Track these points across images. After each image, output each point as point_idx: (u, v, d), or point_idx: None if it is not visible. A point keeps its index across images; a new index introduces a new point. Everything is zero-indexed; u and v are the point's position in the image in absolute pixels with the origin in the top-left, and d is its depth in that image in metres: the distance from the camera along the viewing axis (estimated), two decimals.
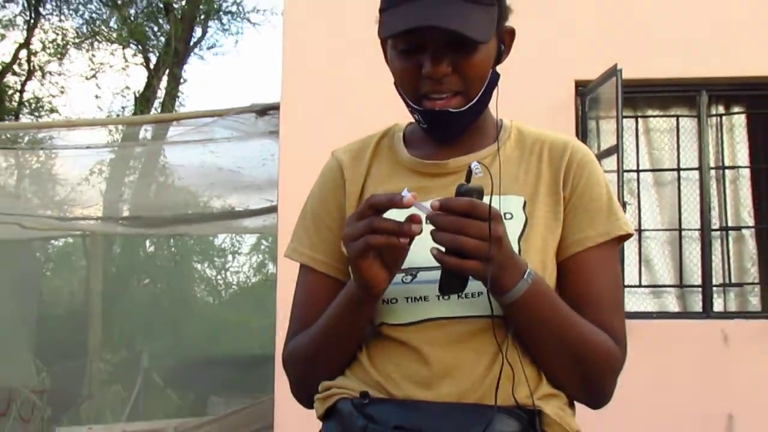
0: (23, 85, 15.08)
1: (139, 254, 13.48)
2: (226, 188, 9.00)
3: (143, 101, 14.04)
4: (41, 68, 15.18)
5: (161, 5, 14.48)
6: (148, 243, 13.20)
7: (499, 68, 1.64)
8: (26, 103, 14.88)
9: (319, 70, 5.43)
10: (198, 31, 14.63)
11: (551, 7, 4.98)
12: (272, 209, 8.35)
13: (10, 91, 14.83)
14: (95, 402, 9.12)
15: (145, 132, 10.67)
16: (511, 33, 1.69)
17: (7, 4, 14.84)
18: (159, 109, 13.79)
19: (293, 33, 5.51)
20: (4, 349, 10.67)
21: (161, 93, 14.26)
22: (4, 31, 14.88)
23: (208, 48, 15.63)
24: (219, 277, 15.92)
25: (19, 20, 15.04)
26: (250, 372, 8.63)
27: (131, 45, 14.89)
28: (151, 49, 14.77)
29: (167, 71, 14.21)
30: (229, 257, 15.65)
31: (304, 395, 1.71)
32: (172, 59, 14.11)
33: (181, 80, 14.40)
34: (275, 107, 5.82)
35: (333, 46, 5.38)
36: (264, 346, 7.99)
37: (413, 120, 1.68)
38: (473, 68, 1.58)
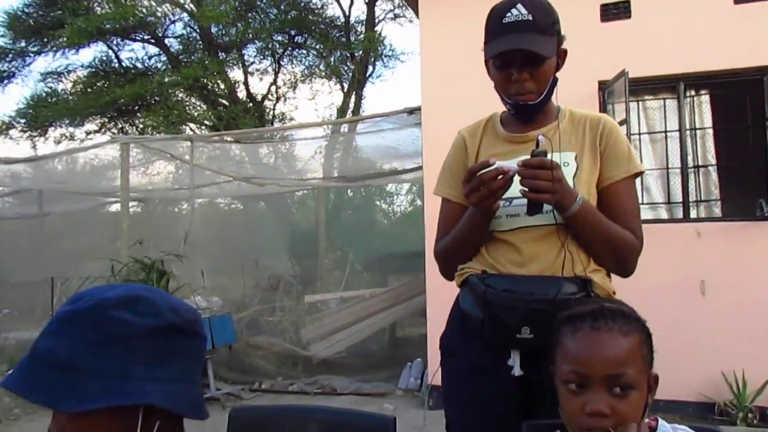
0: (274, 106, 15.45)
1: (344, 197, 13.78)
2: (391, 157, 9.06)
3: (341, 111, 14.20)
4: (284, 95, 15.50)
5: (348, 54, 14.54)
6: (349, 191, 13.43)
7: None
8: (277, 116, 15.26)
9: (444, 84, 5.37)
10: (370, 68, 14.62)
11: (583, 33, 4.74)
12: (418, 168, 8.43)
13: (268, 110, 15.23)
14: (324, 281, 9.41)
15: (344, 128, 10.86)
16: (565, 52, 1.69)
17: (262, 60, 15.14)
18: (351, 114, 13.91)
19: (428, 63, 5.45)
20: (274, 252, 11.19)
21: (351, 105, 14.36)
22: (261, 75, 15.30)
23: (377, 77, 15.60)
24: (389, 208, 16.10)
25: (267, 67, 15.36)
26: (410, 261, 8.73)
27: (333, 78, 15.03)
28: (344, 80, 14.89)
29: (354, 92, 14.30)
30: (394, 197, 15.76)
31: (448, 273, 1.77)
32: (357, 85, 14.20)
33: (363, 97, 14.47)
34: (418, 108, 5.79)
35: (453, 66, 5.31)
36: (417, 247, 8.03)
37: (506, 109, 1.72)
38: (542, 75, 1.62)
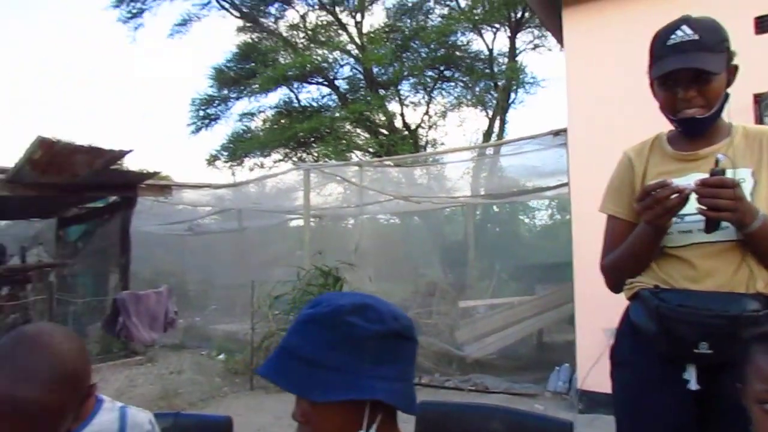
0: (427, 133, 15.66)
1: (489, 213, 13.55)
2: (533, 175, 8.78)
3: (487, 134, 14.03)
4: (435, 123, 15.66)
5: (492, 84, 14.36)
6: (494, 207, 13.19)
7: None
8: (429, 142, 15.44)
9: (589, 106, 5.11)
10: (512, 95, 14.31)
11: (737, 45, 4.26)
12: (562, 185, 8.10)
13: (421, 137, 15.43)
14: (474, 289, 9.28)
15: (489, 150, 10.73)
16: (735, 68, 1.52)
17: (416, 93, 15.38)
18: (495, 138, 13.70)
19: (574, 88, 5.22)
20: (429, 262, 11.27)
21: (496, 129, 14.13)
22: (415, 107, 15.54)
23: (519, 102, 15.21)
24: (531, 222, 15.54)
25: (420, 99, 15.56)
26: (553, 271, 8.36)
27: (478, 106, 14.92)
28: (489, 107, 14.74)
29: (498, 117, 14.07)
30: (535, 212, 15.19)
31: (616, 286, 1.66)
32: (500, 111, 13.97)
33: (506, 121, 14.19)
34: (563, 130, 5.56)
35: (597, 90, 5.04)
36: (560, 257, 7.65)
37: (672, 128, 1.59)
38: (711, 92, 1.48)
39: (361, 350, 0.88)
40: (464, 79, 14.89)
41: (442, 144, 15.44)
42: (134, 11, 14.48)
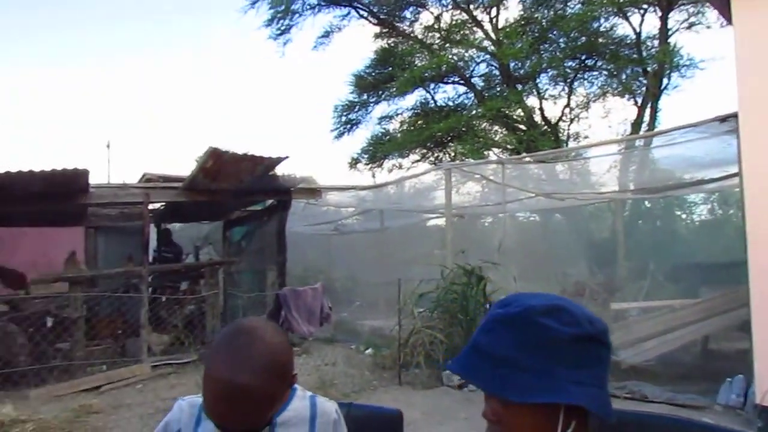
0: (569, 126, 14.96)
1: (640, 208, 12.60)
2: (692, 166, 8.02)
3: (636, 125, 13.07)
4: (577, 116, 14.94)
5: (640, 70, 13.33)
6: (646, 202, 12.23)
7: None
8: (571, 135, 14.76)
9: (766, 87, 4.54)
10: (665, 80, 13.14)
11: None
12: (727, 176, 7.30)
13: (563, 131, 14.82)
14: (625, 290, 8.69)
15: (640, 142, 9.98)
16: None
17: (555, 86, 14.76)
18: (646, 128, 12.71)
19: (746, 68, 4.67)
20: (573, 261, 10.76)
21: (647, 118, 13.09)
22: (555, 100, 14.93)
23: (673, 88, 13.94)
24: (688, 218, 14.15)
25: (560, 91, 14.93)
26: (720, 272, 7.53)
27: (625, 95, 13.94)
28: (637, 95, 13.70)
29: (648, 105, 13.03)
30: (694, 206, 13.80)
31: None
32: (651, 98, 12.92)
33: (658, 110, 13.07)
34: (733, 115, 5.00)
35: None
36: (728, 257, 6.89)
37: None
38: None
39: (556, 353, 0.87)
40: (608, 68, 13.96)
41: (586, 137, 14.63)
42: (282, 28, 15.55)
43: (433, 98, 16.05)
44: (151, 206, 7.62)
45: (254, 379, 1.09)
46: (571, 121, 14.75)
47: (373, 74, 16.38)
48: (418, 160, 16.48)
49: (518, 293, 0.98)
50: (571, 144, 14.05)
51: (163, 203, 8.35)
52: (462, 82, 15.33)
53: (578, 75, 14.47)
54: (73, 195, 6.65)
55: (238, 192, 7.42)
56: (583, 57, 14.01)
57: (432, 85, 15.64)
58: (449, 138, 15.04)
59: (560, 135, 14.24)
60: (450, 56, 14.58)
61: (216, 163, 6.43)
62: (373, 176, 16.95)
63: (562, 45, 13.90)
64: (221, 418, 1.13)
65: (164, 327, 7.40)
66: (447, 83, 15.66)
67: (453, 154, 15.15)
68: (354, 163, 16.86)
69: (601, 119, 19.09)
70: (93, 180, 6.60)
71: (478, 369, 0.91)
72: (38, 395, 5.69)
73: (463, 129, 14.22)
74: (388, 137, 16.27)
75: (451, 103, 15.72)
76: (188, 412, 1.32)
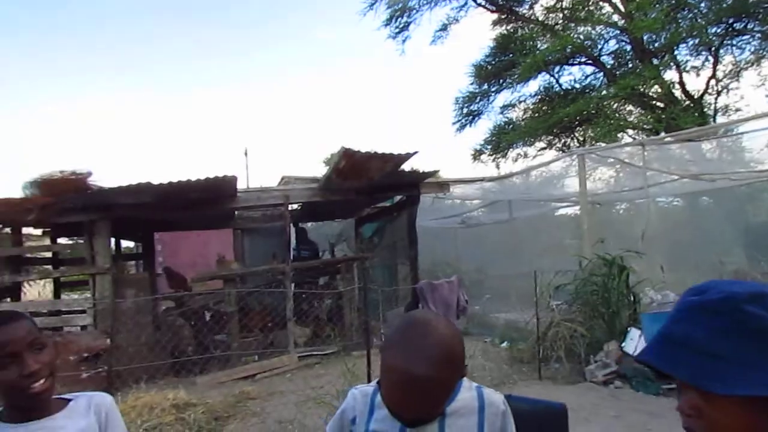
0: (715, 100, 13.58)
1: None
2: None
3: None
4: (725, 87, 13.51)
5: None
6: None
7: None
8: (719, 110, 13.39)
9: None
10: None
11: None
12: None
13: (708, 105, 13.50)
14: None
15: None
16: None
17: (696, 56, 13.47)
18: None
19: None
20: (728, 249, 9.74)
21: None
22: (698, 72, 13.61)
23: None
24: None
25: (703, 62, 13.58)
26: None
27: None
28: None
29: None
30: None
31: None
32: None
33: None
34: None
35: None
36: None
37: None
38: None
39: (764, 343, 0.81)
40: (763, 29, 12.44)
41: (737, 111, 13.15)
42: (401, 26, 15.74)
43: (557, 82, 15.40)
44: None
45: (431, 369, 1.12)
46: (718, 93, 13.34)
47: (493, 63, 16.04)
48: (543, 148, 15.92)
49: (714, 280, 0.92)
50: (720, 119, 12.72)
51: (300, 203, 8.85)
52: (590, 62, 14.52)
53: (725, 41, 13.04)
54: (223, 200, 7.29)
55: (368, 189, 7.65)
56: (731, 20, 12.60)
57: (556, 69, 14.99)
58: (577, 122, 14.34)
59: (705, 110, 12.96)
60: (575, 36, 13.85)
61: (348, 162, 6.68)
62: (497, 167, 16.64)
63: (704, 10, 12.62)
64: (398, 407, 1.18)
65: (306, 320, 7.86)
66: (572, 65, 14.93)
67: (582, 138, 14.43)
68: (477, 154, 16.68)
69: (755, 89, 16.98)
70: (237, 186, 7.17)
71: (676, 359, 0.87)
72: (204, 382, 6.33)
73: (593, 112, 13.47)
74: (511, 126, 15.88)
75: (577, 86, 14.99)
76: (362, 400, 1.39)
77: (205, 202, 7.17)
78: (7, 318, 1.30)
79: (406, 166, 7.50)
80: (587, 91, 14.47)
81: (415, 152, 6.83)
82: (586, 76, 14.98)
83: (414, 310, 5.90)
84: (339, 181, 7.26)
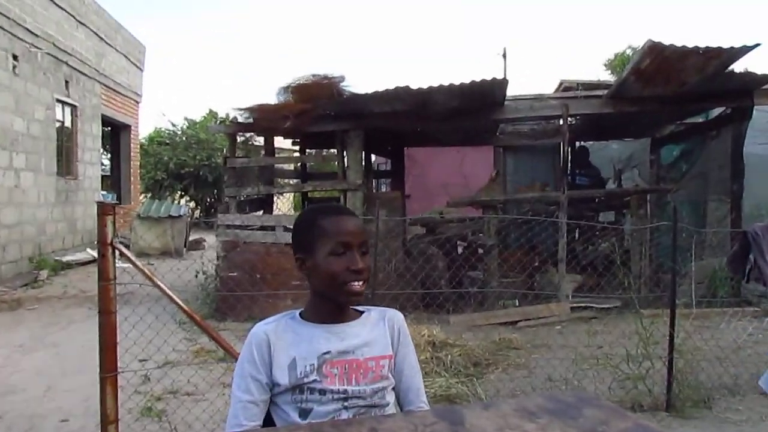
0: None
1: None
2: None
3: None
4: None
5: None
6: None
7: None
8: None
9: None
10: None
11: None
12: None
13: None
14: None
15: None
16: None
17: None
18: None
19: None
20: None
21: None
22: None
23: None
24: None
25: None
26: None
27: None
28: None
29: None
30: None
31: None
32: None
33: None
34: None
35: None
36: None
37: None
38: None
39: None
40: None
41: None
42: None
43: None
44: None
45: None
46: None
47: None
48: None
49: None
50: None
51: (577, 116, 8.43)
52: None
53: None
54: (487, 109, 7.26)
55: (678, 98, 6.90)
56: None
57: None
58: None
59: None
60: None
61: (654, 61, 6.04)
62: None
63: None
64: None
65: (576, 264, 7.61)
66: None
67: None
68: None
69: None
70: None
71: None
72: (458, 321, 6.62)
73: None
74: None
75: None
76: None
77: (466, 112, 7.24)
78: (348, 211, 1.61)
79: (737, 67, 6.55)
80: None
81: (756, 45, 5.87)
82: None
83: (737, 262, 5.23)
84: (638, 87, 6.66)
